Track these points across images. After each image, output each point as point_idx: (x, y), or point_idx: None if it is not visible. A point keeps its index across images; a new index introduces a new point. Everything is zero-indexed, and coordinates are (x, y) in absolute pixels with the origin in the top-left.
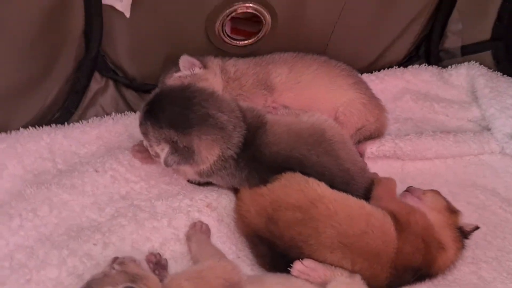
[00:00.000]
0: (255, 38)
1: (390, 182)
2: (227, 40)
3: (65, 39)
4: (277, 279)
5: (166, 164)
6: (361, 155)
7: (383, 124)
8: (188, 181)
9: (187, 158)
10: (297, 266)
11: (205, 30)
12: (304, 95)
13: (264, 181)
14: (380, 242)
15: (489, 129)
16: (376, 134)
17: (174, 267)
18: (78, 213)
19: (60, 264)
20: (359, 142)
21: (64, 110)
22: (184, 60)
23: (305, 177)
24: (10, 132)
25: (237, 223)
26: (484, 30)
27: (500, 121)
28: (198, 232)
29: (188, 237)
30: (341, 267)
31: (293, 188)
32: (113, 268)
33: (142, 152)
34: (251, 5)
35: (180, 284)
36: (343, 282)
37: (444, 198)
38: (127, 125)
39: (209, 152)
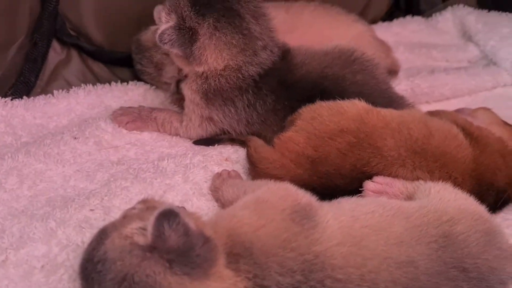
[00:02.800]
0: None
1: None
2: None
3: None
4: (354, 199)
5: (160, 39)
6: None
7: (395, 61)
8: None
9: (185, 42)
10: (369, 186)
11: None
12: (307, 36)
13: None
14: (451, 145)
15: (494, 64)
16: (393, 68)
17: None
18: (60, 184)
19: (47, 238)
20: None
21: (20, 83)
22: (159, 10)
23: (335, 101)
24: None
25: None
26: None
27: (503, 50)
28: (227, 179)
29: (216, 188)
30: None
31: (326, 114)
32: (134, 208)
33: (128, 115)
34: None
35: (235, 216)
36: (433, 185)
37: (496, 114)
38: (101, 96)
39: (215, 52)
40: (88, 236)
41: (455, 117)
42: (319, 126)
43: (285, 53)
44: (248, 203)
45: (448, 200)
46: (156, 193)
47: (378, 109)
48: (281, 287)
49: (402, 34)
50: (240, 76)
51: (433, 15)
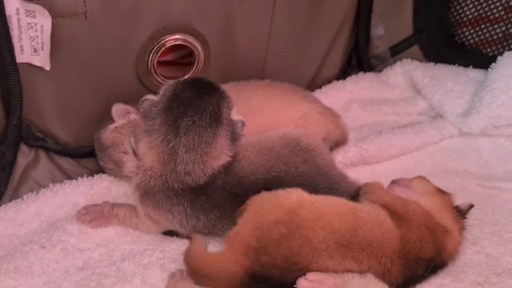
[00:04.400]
0: (190, 73)
1: (375, 183)
2: (160, 79)
3: None
4: None
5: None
6: None
7: (344, 130)
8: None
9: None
10: (301, 284)
11: (136, 74)
12: (258, 120)
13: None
14: (378, 233)
15: (441, 116)
16: (341, 140)
17: None
18: None
19: None
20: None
21: None
22: (117, 109)
23: (273, 192)
24: None
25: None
26: (405, 26)
27: (448, 104)
28: (180, 280)
29: None
30: (347, 271)
31: (266, 207)
32: None
33: (91, 214)
34: (179, 36)
35: None
36: (358, 283)
37: (431, 183)
38: (68, 194)
39: (147, 149)
40: None
41: (383, 197)
42: (260, 218)
43: (235, 160)
44: None
45: None
46: None
47: (313, 200)
48: None
49: (355, 92)
50: (167, 184)
51: (384, 69)
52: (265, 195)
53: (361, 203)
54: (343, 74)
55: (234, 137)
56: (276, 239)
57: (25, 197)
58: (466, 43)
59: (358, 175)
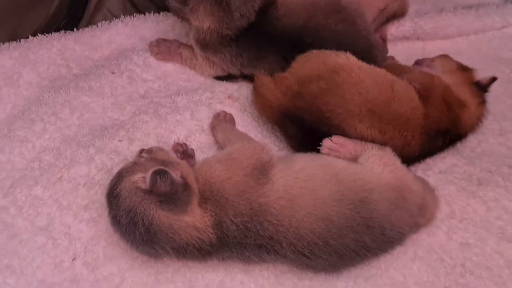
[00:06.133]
0: None
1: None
2: None
3: None
4: (307, 157)
5: None
6: (384, 40)
7: (405, 1)
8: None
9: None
10: (326, 143)
11: None
12: None
13: (282, 61)
14: (407, 108)
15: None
16: (400, 13)
17: (201, 157)
18: (99, 114)
19: (88, 161)
20: (386, 22)
21: (71, 16)
22: None
23: (323, 50)
24: (20, 40)
25: (261, 109)
26: None
27: None
28: (223, 121)
29: (213, 127)
30: (371, 138)
31: (313, 61)
32: (141, 157)
33: (160, 47)
34: None
35: (212, 167)
36: (375, 154)
37: (454, 60)
38: (137, 27)
39: (202, 15)
40: (116, 161)
41: (414, 73)
42: (306, 70)
43: (268, 7)
44: (222, 158)
45: (376, 172)
46: (168, 128)
47: (356, 65)
48: (233, 223)
49: None
50: (220, 36)
51: None
52: (314, 52)
53: (398, 77)
54: None
55: None
56: (314, 91)
57: (99, 24)
58: None
59: (408, 49)
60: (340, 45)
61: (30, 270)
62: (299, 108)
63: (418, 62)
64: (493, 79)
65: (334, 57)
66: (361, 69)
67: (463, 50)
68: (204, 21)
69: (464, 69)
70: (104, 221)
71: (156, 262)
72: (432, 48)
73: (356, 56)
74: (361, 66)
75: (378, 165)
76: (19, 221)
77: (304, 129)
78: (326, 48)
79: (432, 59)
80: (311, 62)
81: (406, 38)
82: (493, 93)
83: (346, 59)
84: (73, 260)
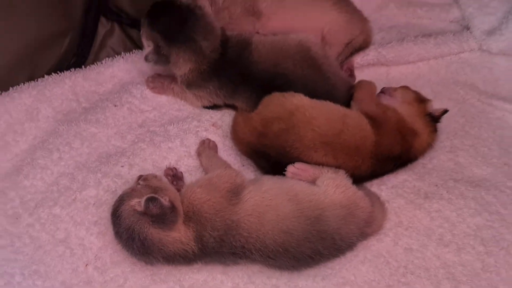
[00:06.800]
0: None
1: (369, 85)
2: None
3: None
4: (274, 178)
5: (146, 59)
6: (351, 69)
7: (369, 35)
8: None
9: (163, 62)
10: (290, 169)
11: None
12: (289, 18)
13: (255, 97)
14: (357, 138)
15: (468, 29)
16: (364, 45)
17: (189, 179)
18: (105, 143)
19: (97, 184)
20: (350, 55)
21: (79, 55)
22: None
23: (282, 93)
24: (37, 80)
25: (236, 145)
26: None
27: (478, 19)
28: (207, 148)
29: (199, 153)
30: (326, 164)
31: (274, 104)
32: (139, 184)
33: (155, 82)
34: None
35: (194, 191)
36: (329, 177)
37: (413, 91)
38: (136, 62)
39: (183, 64)
40: (119, 184)
41: (368, 107)
42: (268, 112)
43: (247, 48)
44: (202, 183)
45: (329, 193)
46: (161, 154)
47: (309, 105)
48: (211, 236)
49: None
50: (200, 73)
51: None
52: (275, 95)
53: (351, 110)
54: None
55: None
56: (275, 132)
57: (103, 61)
58: None
59: (373, 74)
60: (305, 87)
61: (53, 274)
62: (264, 145)
63: (383, 91)
64: (445, 111)
65: (291, 99)
66: (314, 109)
67: (423, 74)
68: (185, 67)
69: (421, 100)
70: (110, 234)
71: (151, 266)
72: (395, 73)
73: (319, 96)
74: (314, 106)
75: (331, 187)
76: (43, 235)
77: (270, 162)
78: (294, 89)
79: (395, 89)
80: (273, 105)
81: (371, 64)
82: (448, 113)
83: (301, 101)
84: (86, 265)
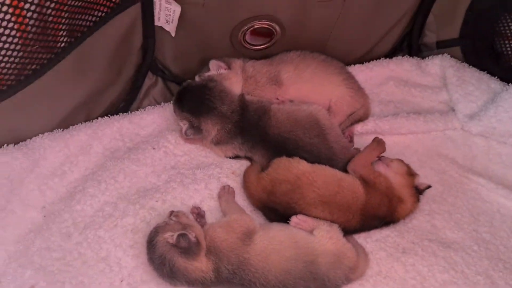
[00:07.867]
0: (268, 44)
1: (372, 152)
2: (247, 46)
3: (130, 53)
4: (280, 226)
5: (186, 134)
6: (351, 136)
7: (368, 109)
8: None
9: (198, 132)
10: (294, 220)
11: (230, 40)
12: (305, 89)
13: (269, 155)
14: (350, 198)
15: (453, 110)
16: (364, 117)
17: (210, 217)
18: (143, 179)
19: (134, 214)
20: (351, 125)
21: (127, 101)
22: (213, 63)
23: (289, 159)
24: (92, 121)
25: (248, 198)
26: (453, 30)
27: (462, 104)
28: (226, 193)
29: (219, 197)
30: (323, 217)
31: (282, 168)
32: (171, 219)
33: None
34: (265, 21)
35: (215, 230)
36: (325, 229)
37: (406, 165)
38: (173, 112)
39: (212, 129)
40: (153, 216)
41: (362, 173)
42: (277, 175)
43: (266, 113)
44: (223, 224)
45: (323, 242)
46: (189, 194)
47: (311, 170)
48: (226, 269)
49: (395, 71)
50: (226, 132)
51: (426, 58)
52: (284, 159)
53: (347, 174)
54: (391, 53)
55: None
56: (283, 191)
57: (146, 108)
58: (503, 54)
59: (371, 140)
60: (311, 153)
61: (94, 286)
62: (272, 202)
63: (381, 159)
64: (428, 186)
65: (297, 166)
66: (315, 173)
67: (412, 144)
68: (213, 130)
69: (411, 174)
70: (143, 256)
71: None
72: (389, 142)
73: (321, 160)
74: (315, 171)
75: (325, 238)
76: (88, 252)
77: (277, 215)
78: (301, 153)
79: (391, 160)
80: (281, 169)
81: (369, 132)
82: (429, 181)
83: (305, 167)
84: (121, 281)
